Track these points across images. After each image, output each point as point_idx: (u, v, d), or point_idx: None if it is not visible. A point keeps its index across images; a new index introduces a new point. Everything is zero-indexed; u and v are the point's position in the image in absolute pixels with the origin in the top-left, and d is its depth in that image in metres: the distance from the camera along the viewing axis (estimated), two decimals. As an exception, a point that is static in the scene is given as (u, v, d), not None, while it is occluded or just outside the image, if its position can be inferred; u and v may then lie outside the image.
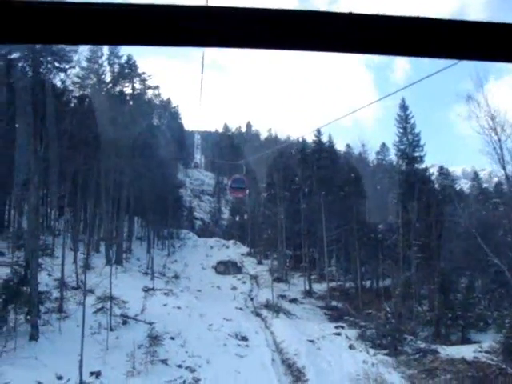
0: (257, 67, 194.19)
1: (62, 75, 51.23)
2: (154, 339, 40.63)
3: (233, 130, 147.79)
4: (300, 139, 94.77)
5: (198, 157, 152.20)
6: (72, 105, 60.98)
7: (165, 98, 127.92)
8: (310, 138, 79.47)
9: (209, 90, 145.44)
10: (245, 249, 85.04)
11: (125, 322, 44.64)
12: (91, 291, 48.47)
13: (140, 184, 70.02)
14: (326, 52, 2.20)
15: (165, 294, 54.06)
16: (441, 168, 65.71)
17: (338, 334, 49.53)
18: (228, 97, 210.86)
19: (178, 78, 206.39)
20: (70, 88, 59.48)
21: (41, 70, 48.20)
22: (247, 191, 38.41)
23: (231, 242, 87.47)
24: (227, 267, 74.55)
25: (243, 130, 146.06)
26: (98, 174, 59.70)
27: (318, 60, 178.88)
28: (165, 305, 50.56)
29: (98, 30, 2.04)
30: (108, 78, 67.08)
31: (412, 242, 56.83)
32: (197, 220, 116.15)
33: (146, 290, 53.62)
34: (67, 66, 49.92)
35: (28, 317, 39.35)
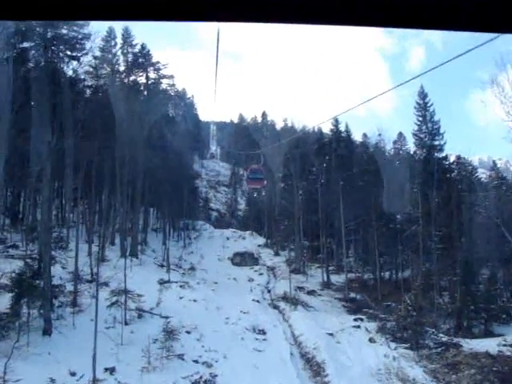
0: (272, 56, 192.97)
1: (75, 64, 49.88)
2: (170, 333, 39.58)
3: (248, 120, 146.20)
4: (316, 129, 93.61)
5: (214, 148, 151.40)
6: (86, 95, 59.80)
7: (180, 89, 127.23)
8: (327, 128, 78.22)
9: (224, 80, 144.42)
10: (261, 240, 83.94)
11: (140, 316, 43.60)
12: (106, 284, 47.57)
13: (155, 175, 69.06)
14: (347, 26, 2.13)
15: (181, 286, 52.97)
16: (458, 157, 64.00)
17: (358, 327, 48.30)
18: (243, 86, 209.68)
19: (192, 69, 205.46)
20: (84, 77, 58.19)
21: (53, 59, 47.00)
22: (265, 182, 37.09)
23: (247, 232, 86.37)
24: (244, 258, 73.49)
25: (259, 119, 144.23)
26: (112, 164, 58.62)
27: (333, 49, 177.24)
28: (181, 298, 49.53)
29: (110, 5, 1.97)
30: (122, 68, 65.95)
31: (432, 232, 55.32)
32: (213, 211, 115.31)
33: (162, 282, 52.55)
34: (79, 54, 48.72)
35: (41, 311, 38.40)
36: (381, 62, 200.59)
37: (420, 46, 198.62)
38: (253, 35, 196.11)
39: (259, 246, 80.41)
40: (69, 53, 48.48)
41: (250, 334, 44.46)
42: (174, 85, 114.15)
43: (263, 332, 45.27)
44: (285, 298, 55.92)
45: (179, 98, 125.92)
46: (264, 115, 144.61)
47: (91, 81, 60.99)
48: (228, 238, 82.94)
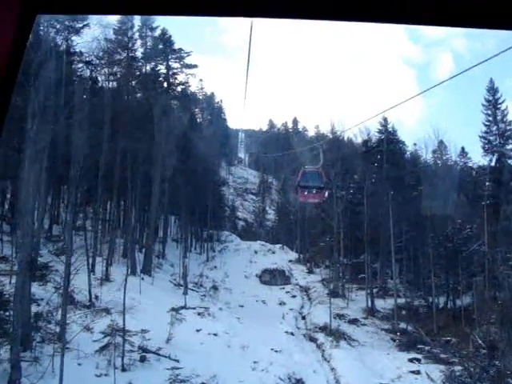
0: (301, 64, 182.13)
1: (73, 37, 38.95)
2: (179, 389, 28.54)
3: (279, 126, 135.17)
4: (346, 136, 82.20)
5: (242, 155, 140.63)
6: (84, 74, 48.70)
7: (208, 93, 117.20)
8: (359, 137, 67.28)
9: (253, 89, 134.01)
10: (293, 255, 72.46)
11: (143, 359, 32.41)
12: (107, 311, 36.96)
13: (177, 179, 58.42)
14: (376, 23, 2.07)
15: (199, 314, 41.94)
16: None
17: (417, 373, 37.60)
18: (273, 94, 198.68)
19: (220, 77, 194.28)
20: (80, 51, 46.84)
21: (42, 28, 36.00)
22: (327, 193, 25.53)
23: (277, 246, 74.66)
24: (273, 276, 62.35)
25: (289, 125, 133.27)
26: (122, 163, 47.87)
27: (361, 57, 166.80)
28: (198, 331, 38.41)
29: None
30: (139, 54, 54.70)
31: (505, 254, 43.65)
32: (239, 220, 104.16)
33: (176, 309, 41.32)
34: (80, 25, 37.82)
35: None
36: (408, 71, 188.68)
37: (446, 53, 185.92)
38: (281, 43, 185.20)
39: (290, 261, 69.08)
40: (67, 23, 37.55)
41: (286, 387, 33.28)
42: (202, 88, 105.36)
43: (301, 382, 34.01)
44: (323, 328, 45.29)
45: (207, 103, 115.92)
46: (295, 122, 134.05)
47: (104, 67, 50.15)
48: (256, 252, 71.46)
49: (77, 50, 42.80)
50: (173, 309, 41.03)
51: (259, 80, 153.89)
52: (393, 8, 1.88)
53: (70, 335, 31.83)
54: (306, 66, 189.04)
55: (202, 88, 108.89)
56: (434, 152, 73.06)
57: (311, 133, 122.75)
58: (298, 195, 24.63)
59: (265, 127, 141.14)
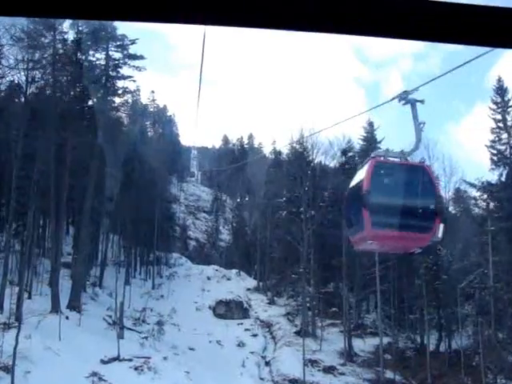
0: (253, 81, 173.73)
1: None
2: None
3: (234, 141, 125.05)
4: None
5: (195, 171, 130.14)
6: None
7: (161, 105, 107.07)
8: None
9: (206, 107, 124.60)
10: (251, 282, 61.95)
11: None
12: (6, 369, 25.93)
13: (122, 194, 47.82)
14: (334, 34, 1.95)
15: (136, 368, 30.98)
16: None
17: None
18: (226, 112, 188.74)
19: (173, 95, 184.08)
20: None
21: None
22: (441, 230, 7.34)
23: (233, 271, 63.88)
24: (230, 308, 52.04)
25: (245, 141, 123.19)
26: (43, 172, 36.69)
27: (314, 76, 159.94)
28: (132, 397, 27.37)
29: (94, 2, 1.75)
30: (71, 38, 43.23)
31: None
32: (191, 240, 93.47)
33: (106, 361, 30.20)
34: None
35: None
36: (357, 89, 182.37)
37: (394, 73, 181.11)
38: (235, 59, 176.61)
39: (248, 289, 58.68)
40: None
41: None
42: (154, 100, 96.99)
43: None
44: (293, 381, 35.23)
45: (159, 116, 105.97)
46: (250, 137, 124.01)
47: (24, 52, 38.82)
48: (209, 278, 60.56)
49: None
50: (101, 361, 29.90)
51: (213, 96, 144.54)
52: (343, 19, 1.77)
53: None
54: (260, 81, 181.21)
55: (153, 100, 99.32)
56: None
57: (268, 149, 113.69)
58: (356, 233, 8.13)
59: (218, 144, 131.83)
